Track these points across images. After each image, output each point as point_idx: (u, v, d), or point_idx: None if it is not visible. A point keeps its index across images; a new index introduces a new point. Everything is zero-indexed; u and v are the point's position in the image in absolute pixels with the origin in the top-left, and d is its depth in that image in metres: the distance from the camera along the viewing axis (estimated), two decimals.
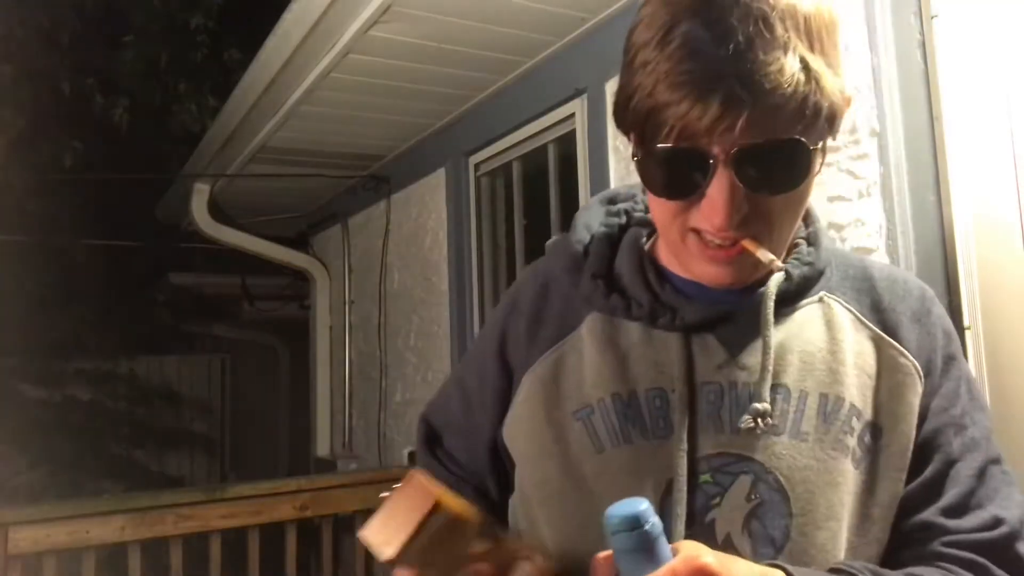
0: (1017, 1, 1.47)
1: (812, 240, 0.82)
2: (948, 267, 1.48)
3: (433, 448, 0.94)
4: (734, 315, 0.76)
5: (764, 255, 0.69)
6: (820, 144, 0.68)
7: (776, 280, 0.75)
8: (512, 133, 2.85)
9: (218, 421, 7.20)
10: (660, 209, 0.73)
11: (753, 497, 0.71)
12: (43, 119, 5.52)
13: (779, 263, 0.71)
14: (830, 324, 0.78)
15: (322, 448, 4.41)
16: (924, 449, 0.76)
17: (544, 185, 2.78)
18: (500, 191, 3.12)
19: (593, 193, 2.40)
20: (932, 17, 1.53)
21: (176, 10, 6.01)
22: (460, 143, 3.16)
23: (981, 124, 1.50)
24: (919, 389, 0.77)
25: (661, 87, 0.64)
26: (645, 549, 0.56)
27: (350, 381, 4.25)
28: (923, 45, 1.53)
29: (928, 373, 0.78)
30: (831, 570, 0.70)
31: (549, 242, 0.93)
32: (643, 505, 0.57)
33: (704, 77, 0.62)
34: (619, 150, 2.31)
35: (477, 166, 3.13)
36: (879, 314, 0.80)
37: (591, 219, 0.87)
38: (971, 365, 1.42)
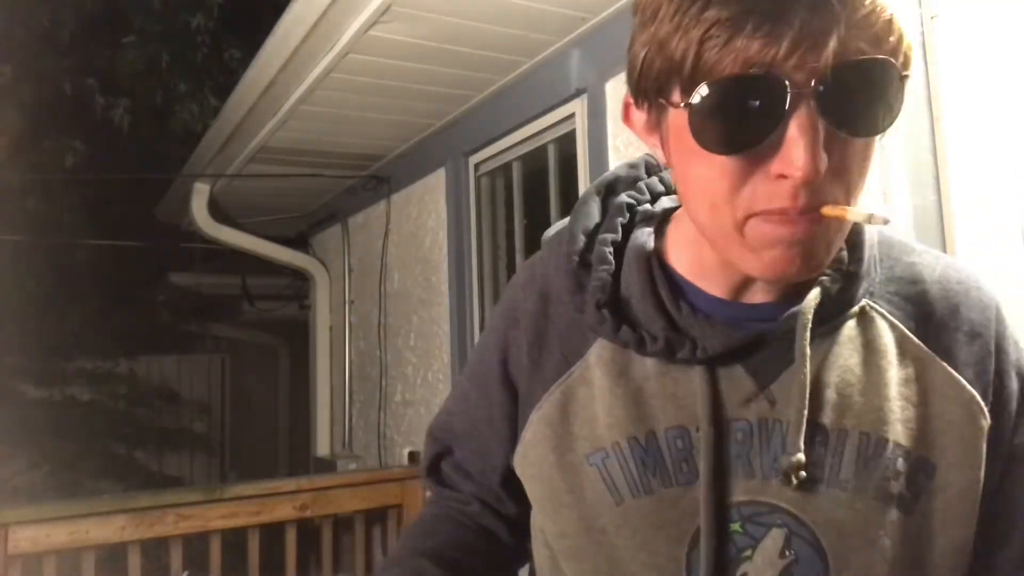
0: (1017, 1, 1.47)
1: (853, 241, 0.67)
2: None
3: (440, 465, 0.89)
4: (764, 339, 0.65)
5: (854, 213, 0.55)
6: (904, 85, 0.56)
7: (813, 299, 0.64)
8: (512, 133, 2.85)
9: (218, 421, 7.20)
10: (713, 182, 0.57)
11: (788, 553, 0.63)
12: (43, 119, 5.52)
13: (883, 215, 0.55)
14: (871, 346, 0.66)
15: (322, 448, 4.41)
16: (996, 496, 0.66)
17: (544, 185, 2.78)
18: (500, 191, 3.12)
19: None
20: (932, 17, 1.53)
21: (176, 10, 6.01)
22: (460, 143, 3.16)
23: (981, 124, 1.50)
24: (982, 423, 0.65)
25: (712, 7, 0.51)
26: None
27: (350, 381, 4.25)
28: (923, 45, 1.53)
29: (996, 401, 0.66)
30: None
31: (545, 235, 0.81)
32: None
33: None
34: (619, 150, 2.30)
35: (477, 166, 3.13)
36: (929, 328, 0.68)
37: (588, 221, 0.74)
38: None
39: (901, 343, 0.67)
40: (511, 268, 3.03)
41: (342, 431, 4.26)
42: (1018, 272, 1.44)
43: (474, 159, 3.13)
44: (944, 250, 1.49)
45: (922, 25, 1.53)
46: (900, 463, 0.64)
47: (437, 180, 3.34)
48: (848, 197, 0.56)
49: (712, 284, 0.67)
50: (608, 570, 0.67)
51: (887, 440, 0.64)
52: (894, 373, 0.66)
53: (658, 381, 0.67)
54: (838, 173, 0.55)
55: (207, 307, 6.92)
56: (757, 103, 0.52)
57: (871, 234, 0.69)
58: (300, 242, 4.80)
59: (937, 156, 1.51)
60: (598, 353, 0.70)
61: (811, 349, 0.63)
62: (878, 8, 0.52)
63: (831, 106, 0.52)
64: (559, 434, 0.71)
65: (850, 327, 0.67)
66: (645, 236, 0.71)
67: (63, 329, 5.88)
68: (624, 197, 0.75)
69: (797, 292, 0.65)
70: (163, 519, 2.71)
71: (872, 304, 0.68)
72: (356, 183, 3.97)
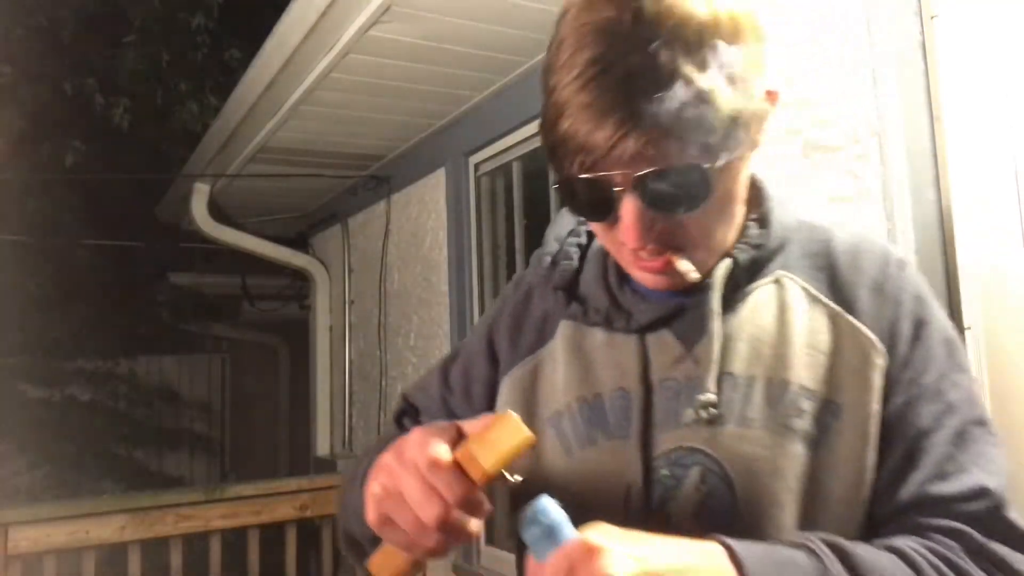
0: (1017, 1, 1.47)
1: (763, 220, 0.80)
2: (948, 267, 1.48)
3: (403, 420, 0.97)
4: (687, 309, 0.78)
5: (685, 267, 0.73)
6: (728, 158, 0.69)
7: (723, 268, 0.77)
8: (512, 133, 2.85)
9: (218, 421, 7.20)
10: (598, 231, 0.76)
11: (702, 487, 0.73)
12: (44, 119, 5.52)
13: (695, 274, 0.74)
14: (783, 305, 0.77)
15: (322, 448, 4.41)
16: (895, 426, 0.74)
17: (544, 185, 2.78)
18: (500, 191, 3.12)
19: None
20: (932, 17, 1.53)
21: (176, 10, 6.00)
22: (460, 143, 3.16)
23: (981, 124, 1.50)
24: (879, 363, 0.74)
25: (563, 118, 0.68)
26: (549, 538, 0.60)
27: (350, 381, 4.25)
28: (923, 45, 1.53)
29: (893, 344, 0.76)
30: (786, 543, 0.68)
31: (534, 254, 0.95)
32: (543, 501, 0.62)
33: (597, 107, 0.65)
34: None
35: (477, 166, 3.13)
36: (837, 289, 0.78)
37: (560, 229, 0.91)
38: (971, 365, 1.42)
39: (812, 302, 0.78)
40: (511, 268, 3.03)
41: (342, 431, 4.26)
42: (1018, 272, 1.44)
43: (474, 159, 3.13)
44: (944, 250, 1.49)
45: (922, 25, 1.53)
46: (805, 403, 0.73)
47: (437, 180, 3.34)
48: (692, 242, 0.73)
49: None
50: None
51: (791, 383, 0.74)
52: (804, 327, 0.76)
53: (605, 351, 0.81)
54: (678, 229, 0.71)
55: (207, 307, 6.92)
56: (596, 195, 0.70)
57: (786, 220, 0.81)
58: (300, 242, 4.79)
59: (937, 156, 1.51)
60: (562, 333, 0.84)
61: (729, 311, 0.76)
62: (675, 118, 0.64)
63: (648, 198, 0.68)
64: (527, 398, 0.84)
65: (766, 291, 0.78)
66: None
67: (63, 329, 5.88)
68: None
69: (725, 258, 0.78)
70: (163, 519, 2.71)
71: (787, 275, 0.79)
72: (356, 183, 3.97)
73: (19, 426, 5.32)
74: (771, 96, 0.72)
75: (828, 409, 0.73)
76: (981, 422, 0.75)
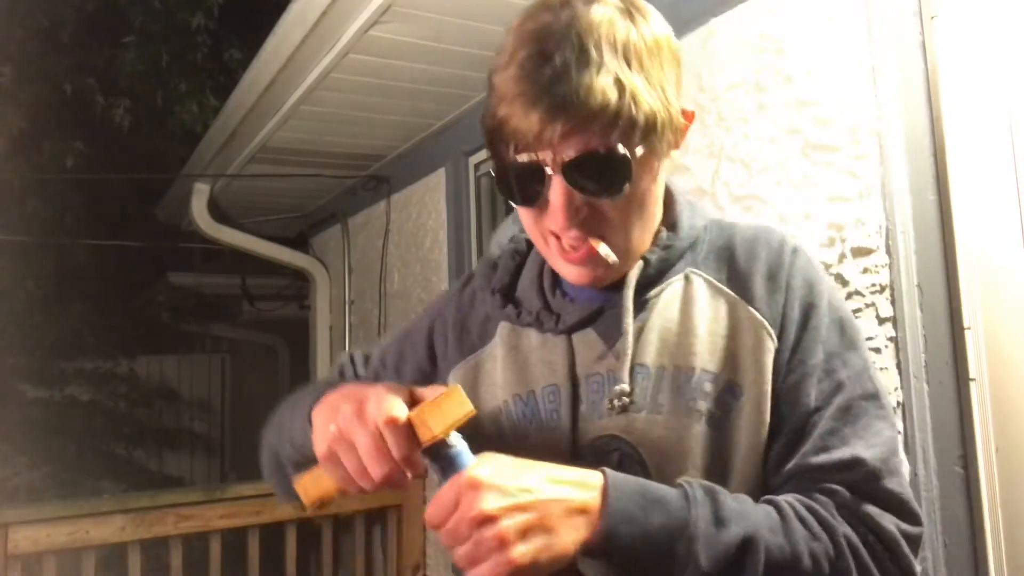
0: (1017, 1, 1.47)
1: (672, 224, 0.88)
2: (948, 267, 1.48)
3: (345, 374, 1.07)
4: (606, 310, 0.85)
5: (605, 251, 0.78)
6: (646, 152, 0.76)
7: (636, 270, 0.84)
8: None
9: (218, 421, 7.20)
10: (522, 216, 0.83)
11: (620, 471, 0.77)
12: (44, 119, 5.52)
13: (614, 258, 0.79)
14: (688, 299, 0.84)
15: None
16: (786, 404, 0.80)
17: None
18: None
19: None
20: (932, 17, 1.53)
21: (176, 10, 6.00)
22: (460, 143, 3.16)
23: (981, 124, 1.50)
24: (770, 345, 0.81)
25: (501, 105, 0.75)
26: (451, 467, 0.72)
27: None
28: (923, 45, 1.53)
29: (783, 327, 0.81)
30: (668, 485, 0.75)
31: (480, 259, 1.04)
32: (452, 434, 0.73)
33: (530, 95, 0.73)
34: None
35: (477, 166, 3.13)
36: (736, 279, 0.85)
37: (502, 236, 0.99)
38: (971, 365, 1.42)
39: (714, 293, 0.85)
40: None
41: None
42: (1018, 272, 1.44)
43: (474, 159, 3.13)
44: (944, 250, 1.49)
45: (922, 25, 1.53)
46: (708, 385, 0.80)
47: (437, 180, 3.35)
48: (615, 232, 0.79)
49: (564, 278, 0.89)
50: None
51: (696, 368, 0.81)
52: (707, 316, 0.83)
53: (539, 351, 0.88)
54: (601, 216, 0.78)
55: (207, 307, 6.92)
56: (527, 178, 0.77)
57: (695, 221, 0.89)
58: (300, 242, 4.79)
59: (937, 156, 1.51)
60: (501, 333, 0.92)
61: (643, 309, 0.84)
62: (600, 106, 0.72)
63: (574, 181, 0.75)
64: (470, 395, 0.85)
65: (675, 288, 0.85)
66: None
67: (63, 329, 5.88)
68: None
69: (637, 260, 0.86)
70: (163, 519, 2.71)
71: (695, 271, 0.86)
72: (356, 183, 3.97)
73: (19, 426, 5.32)
74: (687, 115, 0.82)
75: (729, 390, 0.80)
76: (869, 396, 0.80)
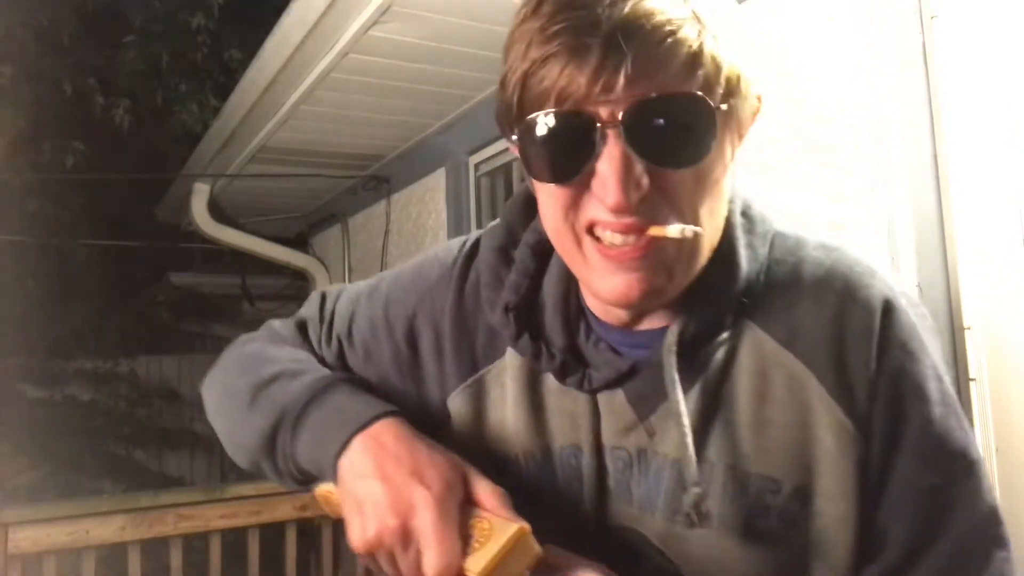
0: (1017, 1, 1.47)
1: (725, 252, 0.64)
2: (948, 267, 1.48)
3: (307, 329, 0.83)
4: (641, 370, 0.65)
5: (674, 230, 0.57)
6: (727, 115, 0.57)
7: (677, 327, 0.63)
8: None
9: None
10: (550, 207, 0.61)
11: None
12: (44, 119, 5.52)
13: (694, 228, 0.57)
14: (745, 368, 0.63)
15: None
16: (875, 530, 0.61)
17: None
18: (500, 191, 3.12)
19: None
20: (932, 17, 1.53)
21: (176, 10, 6.01)
22: (460, 143, 3.16)
23: (981, 124, 1.49)
24: (852, 451, 0.61)
25: (533, 47, 0.55)
26: None
27: None
28: (923, 45, 1.53)
29: (871, 425, 0.61)
30: None
31: (489, 225, 0.78)
32: None
33: (578, 27, 0.53)
34: None
35: (477, 166, 3.13)
36: (805, 339, 0.63)
37: (518, 215, 0.73)
38: (971, 365, 1.42)
39: (775, 360, 0.63)
40: None
41: None
42: (1018, 272, 1.44)
43: (474, 159, 3.13)
44: (944, 251, 1.50)
45: (922, 25, 1.53)
46: (769, 497, 0.61)
47: (437, 180, 3.34)
48: (680, 219, 0.57)
49: (599, 309, 0.67)
50: None
51: (754, 474, 0.62)
52: (767, 396, 0.62)
53: (558, 397, 0.68)
54: (666, 198, 0.57)
55: (207, 307, 6.92)
56: (570, 137, 0.56)
57: (755, 242, 0.66)
58: (300, 242, 4.79)
59: (937, 156, 1.51)
60: (512, 361, 0.70)
61: (683, 378, 0.62)
62: (680, 44, 0.53)
63: (638, 139, 0.54)
64: (471, 429, 0.72)
65: (726, 349, 0.64)
66: None
67: (63, 329, 5.88)
68: None
69: (679, 314, 0.64)
70: (163, 519, 2.70)
71: (752, 326, 0.64)
72: (356, 183, 3.97)
73: (19, 426, 5.32)
74: (759, 99, 0.63)
75: (796, 498, 0.62)
76: (984, 527, 0.61)
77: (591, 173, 0.56)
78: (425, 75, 2.71)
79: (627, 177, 0.55)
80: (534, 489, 0.67)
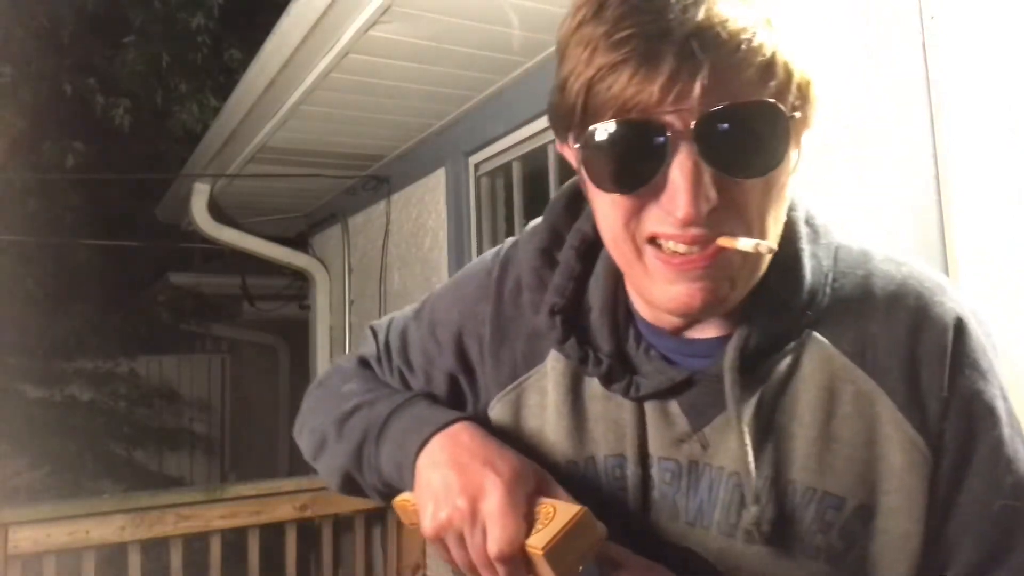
0: (1017, 1, 1.47)
1: (788, 261, 0.63)
2: (947, 267, 1.48)
3: (369, 364, 0.86)
4: (699, 382, 0.64)
5: (747, 243, 0.56)
6: (798, 124, 0.57)
7: (739, 339, 0.62)
8: (512, 133, 2.85)
9: (218, 421, 7.20)
10: (609, 216, 0.59)
11: None
12: (44, 119, 5.52)
13: (768, 244, 0.57)
14: (811, 381, 0.62)
15: None
16: (949, 543, 0.61)
17: (544, 185, 2.78)
18: (500, 191, 3.12)
19: None
20: (931, 18, 1.53)
21: (176, 10, 6.01)
22: (460, 143, 3.16)
23: (981, 124, 1.50)
24: (925, 470, 0.60)
25: (598, 54, 0.53)
26: None
27: None
28: (923, 45, 1.53)
29: (941, 444, 0.60)
30: None
31: (528, 226, 0.78)
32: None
33: (649, 33, 0.51)
34: None
35: (477, 166, 3.13)
36: (876, 356, 0.61)
37: (562, 216, 0.73)
38: None
39: (843, 375, 0.61)
40: None
41: None
42: (1018, 272, 1.44)
43: (474, 159, 3.13)
44: (943, 251, 1.49)
45: (922, 25, 1.53)
46: (831, 514, 0.60)
47: (437, 180, 3.34)
48: (749, 231, 0.56)
49: (653, 315, 0.66)
50: None
51: (816, 490, 0.60)
52: (833, 412, 0.61)
53: (603, 404, 0.67)
54: (734, 209, 0.56)
55: (207, 307, 6.93)
56: (639, 146, 0.55)
57: (819, 253, 0.65)
58: (300, 242, 4.79)
59: (937, 156, 1.51)
60: (554, 365, 0.70)
61: (744, 391, 0.61)
62: (755, 52, 0.53)
63: (710, 149, 0.53)
64: (511, 439, 0.70)
65: (789, 361, 0.62)
66: None
67: (63, 329, 5.88)
68: None
69: (740, 325, 0.63)
70: (163, 519, 2.71)
71: (817, 337, 0.62)
72: (356, 183, 3.97)
73: (19, 426, 5.32)
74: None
75: (858, 515, 0.60)
76: None
77: (659, 183, 0.55)
78: (425, 75, 2.71)
79: (698, 189, 0.54)
80: (576, 497, 0.66)
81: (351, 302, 4.27)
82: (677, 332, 0.65)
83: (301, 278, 4.84)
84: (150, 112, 6.20)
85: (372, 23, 2.27)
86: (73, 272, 5.96)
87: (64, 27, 5.87)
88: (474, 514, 0.59)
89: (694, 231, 0.55)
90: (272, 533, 2.95)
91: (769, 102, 0.54)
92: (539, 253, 0.72)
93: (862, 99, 1.57)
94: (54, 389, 5.92)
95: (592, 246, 0.70)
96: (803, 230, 0.65)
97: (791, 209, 0.65)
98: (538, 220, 0.76)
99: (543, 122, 2.68)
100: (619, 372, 0.65)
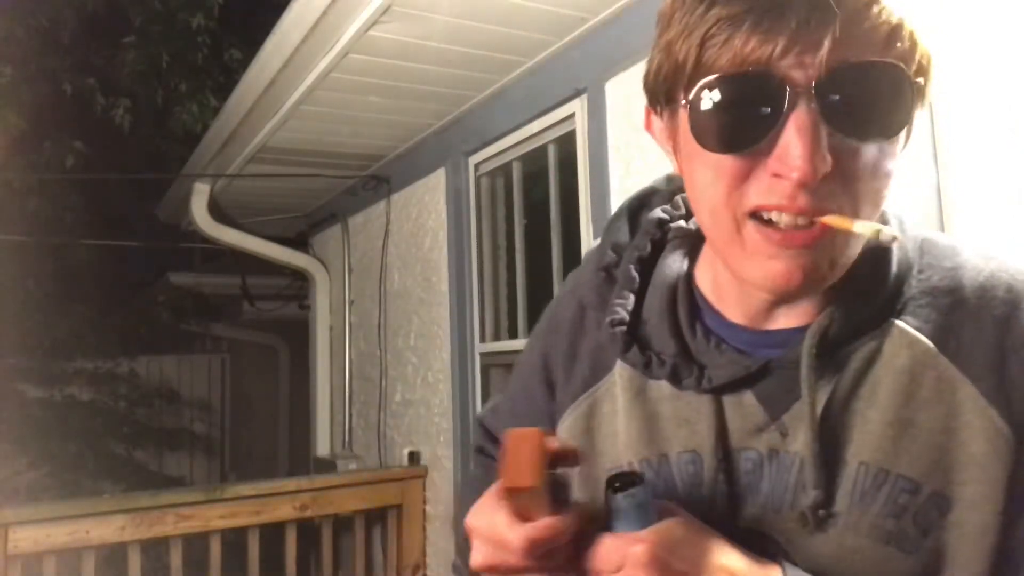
0: (1017, 3, 1.47)
1: (877, 250, 0.62)
2: None
3: (485, 448, 0.90)
4: (776, 369, 0.63)
5: (861, 226, 0.54)
6: (916, 92, 0.55)
7: (820, 323, 0.61)
8: (512, 133, 2.85)
9: (218, 421, 7.20)
10: (710, 186, 0.57)
11: None
12: (44, 119, 5.52)
13: (891, 231, 0.55)
14: (892, 366, 0.60)
15: (322, 448, 4.42)
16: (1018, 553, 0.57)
17: (544, 185, 2.78)
18: (500, 191, 3.12)
19: (593, 194, 2.40)
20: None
21: (176, 10, 6.01)
22: (460, 143, 3.16)
23: (980, 125, 1.50)
24: (1007, 457, 0.57)
25: (717, 5, 0.52)
26: (631, 514, 0.57)
27: (350, 381, 4.25)
28: None
29: None
30: None
31: (588, 251, 0.81)
32: (648, 482, 0.58)
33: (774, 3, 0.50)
34: (619, 149, 2.30)
35: (477, 166, 3.13)
36: (961, 343, 0.60)
37: (619, 235, 0.74)
38: None
39: (925, 361, 0.60)
40: (511, 268, 3.03)
41: (342, 431, 4.26)
42: None
43: (474, 159, 3.13)
44: None
45: None
46: (905, 498, 0.58)
47: (437, 180, 3.35)
48: (856, 208, 0.55)
49: (731, 308, 0.66)
50: None
51: (889, 472, 0.59)
52: (913, 396, 0.59)
53: (672, 404, 0.67)
54: (845, 181, 0.54)
55: (207, 307, 6.93)
56: (754, 101, 0.52)
57: (906, 244, 0.64)
58: (300, 242, 4.80)
59: (937, 156, 1.51)
60: (620, 370, 0.71)
61: (828, 373, 0.61)
62: (884, 13, 0.52)
63: (831, 107, 0.52)
64: (584, 448, 0.70)
65: (870, 348, 0.61)
66: (675, 259, 0.71)
67: (63, 329, 5.88)
68: (658, 212, 0.75)
69: (826, 311, 0.62)
70: (163, 519, 2.71)
71: (905, 320, 0.61)
72: (356, 183, 3.98)
73: (19, 426, 5.32)
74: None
75: (934, 504, 0.58)
76: None
77: (768, 145, 0.53)
78: (425, 75, 2.71)
79: (816, 146, 0.51)
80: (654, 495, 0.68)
81: (351, 302, 4.27)
82: (754, 325, 0.65)
83: (301, 278, 4.84)
84: (150, 112, 6.20)
85: (372, 23, 2.28)
86: (73, 272, 5.95)
87: (64, 27, 5.87)
88: (490, 542, 0.59)
89: (802, 201, 0.53)
90: (272, 533, 2.95)
91: (899, 65, 0.52)
92: (598, 272, 0.73)
93: None
94: (54, 389, 5.91)
95: (648, 261, 0.71)
96: (891, 219, 0.65)
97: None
98: (597, 240, 0.78)
99: (543, 122, 2.69)
100: (686, 369, 0.65)
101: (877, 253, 0.62)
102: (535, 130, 2.74)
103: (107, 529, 2.61)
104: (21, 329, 5.44)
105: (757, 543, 0.61)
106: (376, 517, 3.27)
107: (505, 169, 3.04)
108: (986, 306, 0.60)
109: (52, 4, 5.70)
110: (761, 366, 0.63)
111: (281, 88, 2.83)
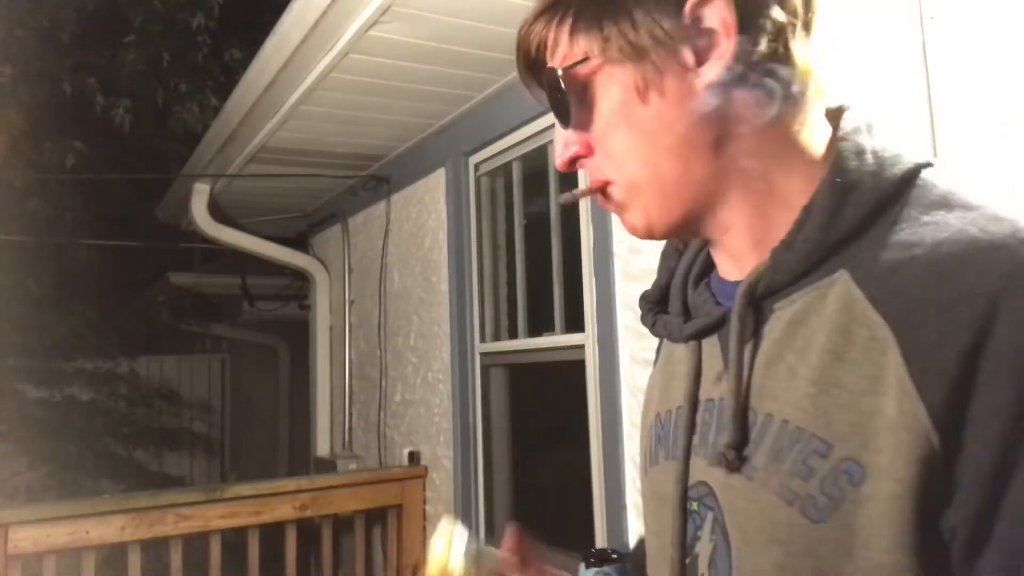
0: (1015, 3, 1.47)
1: (832, 187, 0.59)
2: None
3: None
4: (730, 316, 0.64)
5: (568, 196, 0.73)
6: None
7: (753, 273, 0.62)
8: (512, 133, 2.85)
9: (218, 421, 7.21)
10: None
11: (712, 539, 0.63)
12: (44, 119, 5.52)
13: (571, 193, 0.73)
14: (828, 321, 0.57)
15: (322, 448, 4.42)
16: (961, 534, 0.50)
17: (544, 185, 2.78)
18: (500, 191, 3.13)
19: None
20: (931, 18, 1.53)
21: (176, 10, 6.01)
22: (460, 143, 3.16)
23: (980, 125, 1.50)
24: (924, 441, 0.50)
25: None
26: None
27: (350, 381, 4.25)
28: (923, 46, 1.53)
29: (953, 409, 0.49)
30: None
31: None
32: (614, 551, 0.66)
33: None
34: None
35: (477, 166, 3.13)
36: (902, 302, 0.53)
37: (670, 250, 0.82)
38: None
39: (860, 319, 0.55)
40: (511, 268, 3.03)
41: (342, 431, 4.26)
42: None
43: (474, 159, 3.13)
44: None
45: (921, 26, 1.53)
46: (815, 459, 0.55)
47: (437, 180, 3.35)
48: (616, 172, 0.67)
49: (719, 264, 0.71)
50: (647, 532, 0.76)
51: (806, 431, 0.56)
52: (842, 356, 0.55)
53: (685, 363, 0.71)
54: (600, 156, 0.67)
55: (207, 307, 6.93)
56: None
57: (880, 186, 0.60)
58: (300, 242, 4.80)
59: (937, 156, 1.51)
60: (665, 344, 0.79)
61: (769, 322, 0.61)
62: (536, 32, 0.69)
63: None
64: (644, 408, 0.81)
65: (812, 298, 0.58)
66: None
67: (63, 329, 5.88)
68: None
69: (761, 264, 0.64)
70: (163, 519, 2.71)
71: (852, 273, 0.57)
72: (356, 183, 3.98)
73: (19, 426, 5.32)
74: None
75: (845, 471, 0.53)
76: None
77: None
78: (425, 75, 2.71)
79: (559, 142, 0.73)
80: (655, 446, 0.74)
81: (351, 302, 4.27)
82: (730, 277, 0.68)
83: (301, 278, 4.84)
84: (150, 112, 6.20)
85: (372, 23, 2.28)
86: (73, 272, 5.96)
87: (64, 27, 5.87)
88: None
89: (590, 179, 0.70)
90: (272, 533, 2.95)
91: (551, 70, 0.71)
92: (661, 260, 0.80)
93: (862, 99, 1.57)
94: (54, 389, 5.92)
95: (688, 245, 0.77)
96: (852, 163, 0.61)
97: (841, 139, 0.63)
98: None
99: (543, 122, 2.69)
100: (675, 321, 0.72)
101: (833, 187, 0.59)
102: (535, 130, 2.74)
103: (107, 529, 2.61)
104: (21, 329, 5.44)
105: (704, 495, 0.64)
106: (376, 517, 3.27)
107: (505, 169, 3.04)
108: (941, 257, 0.53)
109: (52, 4, 5.70)
110: (720, 315, 0.66)
111: (281, 88, 2.84)
